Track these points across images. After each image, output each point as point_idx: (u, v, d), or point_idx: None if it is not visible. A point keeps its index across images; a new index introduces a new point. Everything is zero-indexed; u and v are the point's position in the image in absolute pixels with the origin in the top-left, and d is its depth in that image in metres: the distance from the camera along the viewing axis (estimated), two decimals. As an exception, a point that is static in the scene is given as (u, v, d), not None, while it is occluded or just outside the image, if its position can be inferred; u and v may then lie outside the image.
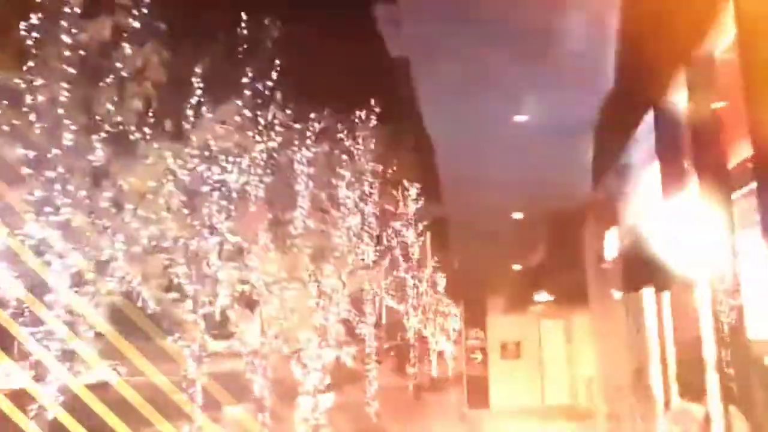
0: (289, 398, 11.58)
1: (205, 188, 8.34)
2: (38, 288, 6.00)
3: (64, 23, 6.13)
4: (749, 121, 5.43)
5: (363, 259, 14.11)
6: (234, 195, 8.81)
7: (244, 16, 8.51)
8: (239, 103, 8.55)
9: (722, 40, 6.69)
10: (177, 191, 7.78)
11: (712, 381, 6.78)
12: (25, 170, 5.96)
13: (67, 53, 6.15)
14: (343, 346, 13.00)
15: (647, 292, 9.92)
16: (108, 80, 6.58)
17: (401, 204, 19.75)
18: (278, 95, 9.29)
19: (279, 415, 10.94)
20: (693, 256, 7.22)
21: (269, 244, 9.92)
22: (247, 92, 8.77)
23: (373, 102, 13.96)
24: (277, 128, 9.82)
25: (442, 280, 25.45)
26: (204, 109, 8.15)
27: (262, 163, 9.51)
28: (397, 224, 19.33)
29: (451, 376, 25.19)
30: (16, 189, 5.95)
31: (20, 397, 6.53)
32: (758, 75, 5.17)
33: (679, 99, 8.06)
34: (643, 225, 9.19)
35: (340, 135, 12.87)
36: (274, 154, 9.95)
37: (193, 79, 7.96)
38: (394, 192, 19.16)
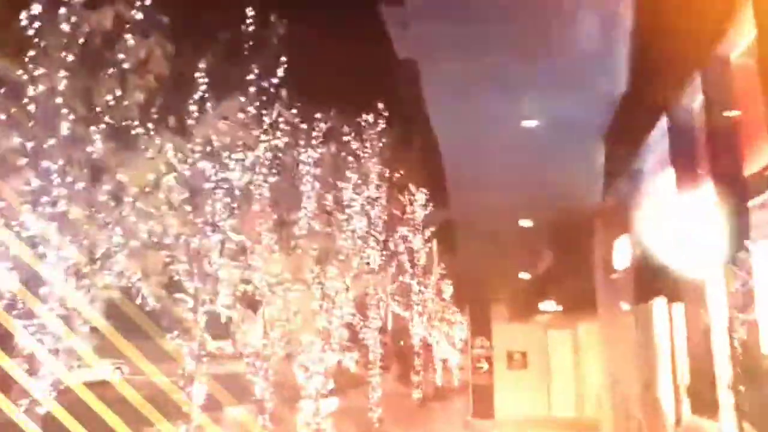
0: (290, 401, 11.44)
1: (208, 185, 8.22)
2: (33, 281, 5.89)
3: (64, 12, 6.03)
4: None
5: (368, 264, 13.97)
6: (237, 193, 8.69)
7: (249, 12, 8.41)
8: (243, 99, 8.45)
9: (739, 43, 6.52)
10: (178, 186, 7.66)
11: (725, 397, 6.58)
12: (22, 160, 5.85)
13: (67, 42, 6.05)
14: (346, 350, 12.85)
15: (658, 303, 9.72)
16: (109, 71, 6.47)
17: (408, 209, 19.60)
18: (283, 94, 9.18)
19: (280, 417, 10.79)
20: (706, 267, 7.03)
21: (273, 244, 9.80)
22: (252, 89, 8.66)
23: (381, 105, 13.86)
24: (282, 127, 9.71)
25: (448, 288, 25.25)
26: (207, 104, 8.05)
27: (266, 162, 9.39)
28: (403, 229, 19.18)
29: (455, 385, 24.96)
30: (12, 179, 5.84)
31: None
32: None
33: (693, 104, 7.90)
34: (655, 233, 8.99)
35: (347, 137, 12.76)
36: (279, 154, 9.84)
37: (197, 74, 7.86)
38: (401, 197, 19.02)
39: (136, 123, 6.89)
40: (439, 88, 9.96)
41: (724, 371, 6.59)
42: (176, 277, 7.91)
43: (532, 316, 18.31)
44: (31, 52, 5.98)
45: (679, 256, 7.71)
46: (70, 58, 6.11)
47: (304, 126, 10.65)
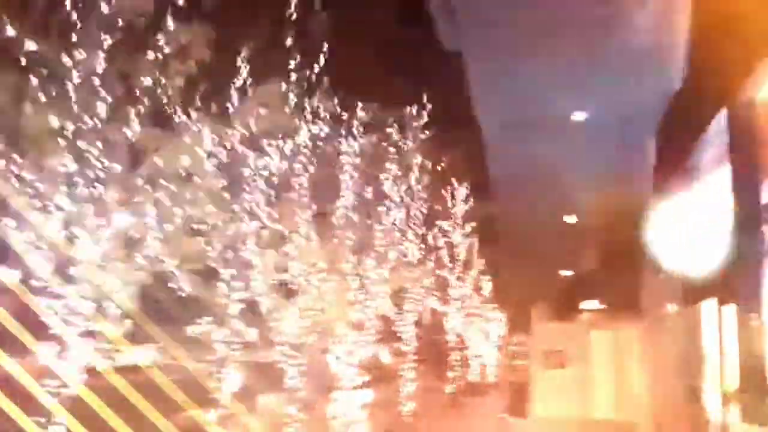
0: (323, 392, 11.39)
1: (246, 171, 8.17)
2: (65, 264, 5.91)
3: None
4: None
5: (406, 257, 13.81)
6: (275, 181, 8.62)
7: (293, -1, 8.29)
8: (284, 86, 8.35)
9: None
10: (216, 172, 7.63)
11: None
12: (60, 142, 5.85)
13: (108, 25, 6.02)
14: (381, 342, 12.74)
15: (707, 305, 9.35)
16: (149, 55, 6.44)
17: (449, 203, 19.31)
18: (325, 82, 9.05)
19: (312, 408, 10.75)
20: (764, 269, 6.74)
21: (310, 233, 9.71)
22: (293, 77, 8.56)
23: (425, 98, 13.62)
24: (323, 116, 9.59)
25: (487, 284, 24.91)
26: (247, 90, 7.98)
27: (306, 150, 9.29)
28: (444, 224, 18.92)
29: (490, 382, 24.66)
30: (49, 161, 5.86)
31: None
32: None
33: (756, 99, 7.49)
34: (709, 233, 8.60)
35: (389, 128, 12.57)
36: (319, 143, 9.73)
37: (238, 60, 7.79)
38: (443, 191, 18.75)
39: (176, 107, 6.85)
40: (485, 80, 9.69)
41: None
42: (211, 264, 7.90)
43: (573, 314, 17.92)
44: (73, 36, 5.96)
45: (735, 257, 7.40)
46: (111, 40, 6.07)
47: (345, 115, 10.51)
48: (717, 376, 8.85)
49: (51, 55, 5.81)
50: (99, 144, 6.00)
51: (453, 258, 19.88)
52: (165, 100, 6.67)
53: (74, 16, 5.82)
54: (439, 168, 15.26)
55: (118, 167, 6.22)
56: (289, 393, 10.06)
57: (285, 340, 9.59)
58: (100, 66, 5.94)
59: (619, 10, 8.44)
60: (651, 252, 12.46)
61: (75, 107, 5.87)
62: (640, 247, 13.63)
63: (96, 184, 5.99)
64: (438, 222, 17.66)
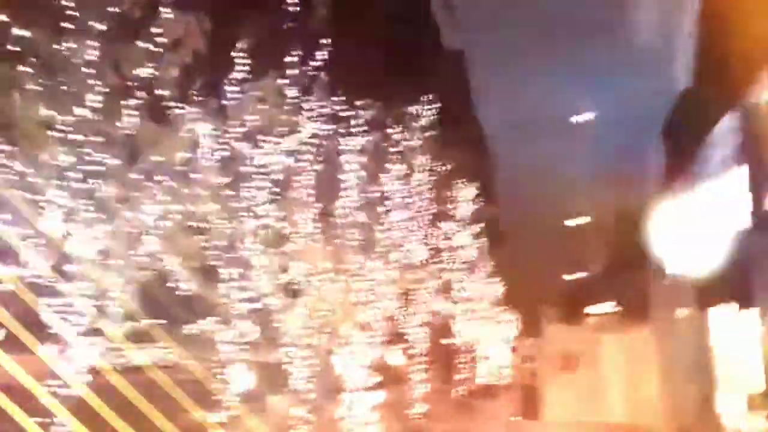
0: (331, 394, 11.27)
1: (244, 169, 8.09)
2: (61, 260, 5.83)
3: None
4: None
5: (412, 258, 13.69)
6: (275, 178, 8.53)
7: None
8: (282, 81, 8.27)
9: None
10: (213, 168, 7.55)
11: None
12: (50, 133, 5.78)
13: (100, 13, 5.96)
14: (388, 344, 12.60)
15: (722, 308, 9.14)
16: (143, 44, 6.36)
17: (455, 204, 19.17)
18: (324, 78, 8.97)
19: (320, 409, 10.63)
20: None
21: (313, 232, 9.62)
22: (292, 72, 8.48)
23: (427, 95, 13.51)
24: (323, 113, 9.51)
25: (495, 286, 24.71)
26: (244, 83, 7.90)
27: (306, 148, 9.21)
28: (450, 225, 18.78)
29: (500, 385, 24.43)
30: (41, 154, 5.79)
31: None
32: None
33: (765, 96, 7.34)
34: (721, 234, 8.42)
35: (390, 127, 12.47)
36: (320, 141, 9.64)
37: (234, 53, 7.72)
38: (448, 191, 18.63)
39: (170, 99, 6.78)
40: (489, 79, 9.58)
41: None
42: (212, 263, 7.81)
43: (583, 317, 17.73)
44: (66, 24, 5.90)
45: (748, 258, 7.23)
46: (103, 29, 6.00)
47: (345, 113, 10.42)
48: (735, 380, 8.66)
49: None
50: (91, 136, 5.93)
51: (460, 259, 19.73)
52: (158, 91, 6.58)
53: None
54: (442, 168, 15.16)
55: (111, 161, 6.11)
56: (295, 395, 9.96)
57: (289, 340, 9.50)
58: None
59: (625, 9, 8.29)
60: (659, 254, 12.28)
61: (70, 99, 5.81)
62: (650, 249, 13.43)
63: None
64: (442, 223, 17.54)
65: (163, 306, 7.26)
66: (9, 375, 6.12)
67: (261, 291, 8.54)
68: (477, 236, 20.35)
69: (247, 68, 7.83)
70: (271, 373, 9.60)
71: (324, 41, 8.66)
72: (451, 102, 14.14)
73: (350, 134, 10.52)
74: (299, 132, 8.91)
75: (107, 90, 6.01)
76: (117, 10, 6.08)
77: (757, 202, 7.27)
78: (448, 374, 20.35)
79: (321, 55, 8.69)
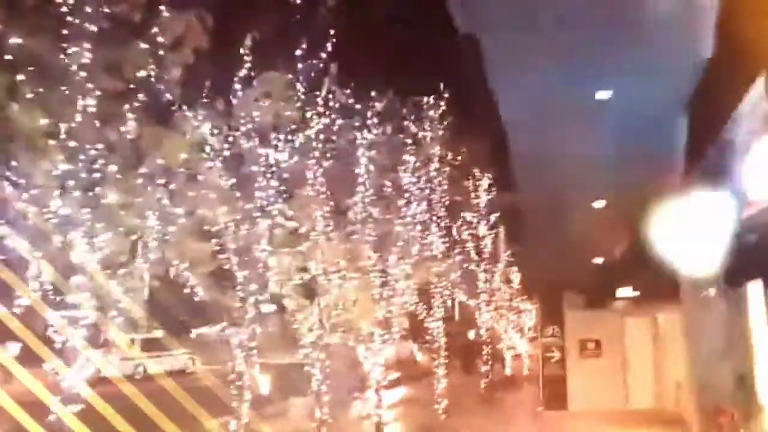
0: (350, 392, 11.11)
1: (254, 168, 7.83)
2: (66, 271, 5.65)
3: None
4: None
5: (431, 251, 13.44)
6: (287, 176, 8.28)
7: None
8: (289, 75, 7.99)
9: None
10: (220, 168, 7.31)
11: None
12: (50, 142, 5.57)
13: (98, 15, 5.72)
14: (410, 340, 12.40)
15: (753, 287, 8.81)
16: (143, 45, 6.12)
17: (472, 193, 18.86)
18: (333, 69, 8.68)
19: (339, 409, 10.46)
20: None
21: (328, 230, 9.38)
22: (300, 65, 8.19)
23: (441, 85, 13.18)
24: (334, 106, 9.22)
25: (516, 275, 24.40)
26: (250, 80, 7.64)
27: (318, 143, 8.94)
28: (468, 215, 18.48)
29: (525, 375, 24.17)
30: (42, 163, 5.59)
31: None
32: None
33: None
34: (750, 208, 8.07)
35: (405, 119, 12.16)
36: (332, 136, 9.37)
37: (239, 48, 7.45)
38: (465, 181, 18.32)
39: (173, 100, 6.54)
40: (503, 62, 9.26)
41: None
42: (225, 266, 7.60)
43: (607, 302, 17.35)
44: (64, 30, 5.69)
45: None
46: (101, 30, 5.78)
47: (358, 106, 10.13)
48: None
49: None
50: (92, 142, 5.72)
51: (479, 250, 19.45)
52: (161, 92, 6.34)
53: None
54: (459, 157, 14.84)
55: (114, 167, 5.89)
56: (315, 395, 9.77)
57: (308, 341, 9.29)
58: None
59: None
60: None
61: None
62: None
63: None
64: (462, 213, 17.27)
65: (177, 312, 7.09)
66: (24, 388, 6.00)
67: (276, 291, 8.33)
68: (497, 225, 20.06)
69: (254, 64, 7.56)
70: (291, 375, 9.43)
71: (333, 32, 8.36)
72: (466, 89, 13.77)
73: (364, 127, 10.22)
74: (310, 126, 8.64)
75: (108, 94, 5.79)
76: (116, 10, 5.84)
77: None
78: (472, 366, 20.13)
79: (330, 46, 8.38)
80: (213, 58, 6.83)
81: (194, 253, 6.98)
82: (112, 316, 5.79)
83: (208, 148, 7.13)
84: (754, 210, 8.08)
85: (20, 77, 5.47)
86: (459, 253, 16.98)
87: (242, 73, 7.63)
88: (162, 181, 6.35)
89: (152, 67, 6.14)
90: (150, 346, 18.26)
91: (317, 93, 8.83)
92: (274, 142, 8.06)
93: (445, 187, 14.29)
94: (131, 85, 6.05)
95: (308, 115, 8.72)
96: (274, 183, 8.06)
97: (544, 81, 9.69)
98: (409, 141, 12.27)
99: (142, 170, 6.17)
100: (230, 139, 7.45)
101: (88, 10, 5.66)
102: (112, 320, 5.78)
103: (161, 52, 6.18)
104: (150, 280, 6.55)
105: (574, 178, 11.77)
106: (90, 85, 5.64)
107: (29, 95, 5.49)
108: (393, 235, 11.26)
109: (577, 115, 10.26)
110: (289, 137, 8.30)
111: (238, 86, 7.59)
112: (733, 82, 8.29)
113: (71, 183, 5.58)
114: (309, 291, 9.24)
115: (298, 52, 8.22)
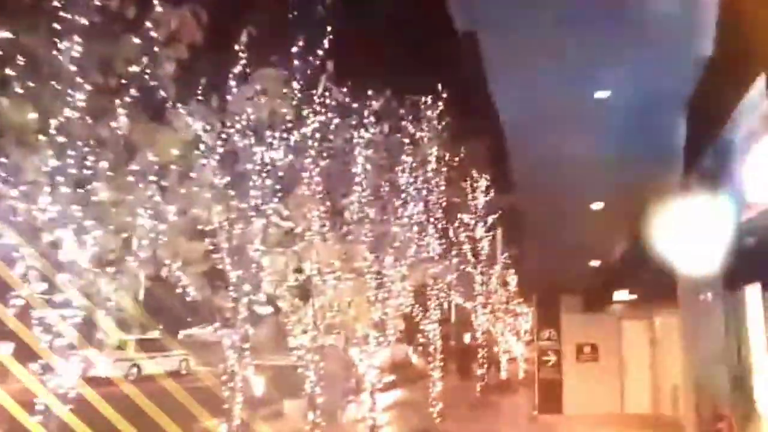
0: (344, 395, 11.01)
1: (249, 166, 7.73)
2: (56, 269, 5.52)
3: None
4: None
5: (427, 252, 13.34)
6: (282, 175, 8.18)
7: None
8: (285, 72, 7.90)
9: None
10: (213, 166, 7.21)
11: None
12: (39, 137, 5.46)
13: (89, 8, 5.62)
14: (405, 342, 12.31)
15: (752, 290, 8.76)
16: (134, 40, 6.01)
17: (469, 195, 18.79)
18: (330, 67, 8.59)
19: (333, 412, 10.35)
20: None
21: (322, 230, 9.28)
22: (296, 62, 8.10)
23: (440, 85, 13.10)
24: (330, 104, 9.12)
25: (513, 277, 24.34)
26: (245, 76, 7.55)
27: (314, 142, 8.84)
28: (464, 216, 18.41)
29: (521, 379, 24.10)
30: (31, 159, 5.47)
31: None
32: None
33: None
34: (750, 210, 8.00)
35: (402, 118, 12.07)
36: (328, 134, 9.27)
37: (234, 43, 7.36)
38: (462, 183, 18.25)
39: (166, 96, 6.43)
40: (502, 62, 9.16)
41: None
42: (218, 266, 7.49)
43: (604, 306, 17.29)
44: (55, 24, 5.58)
45: None
46: (93, 24, 5.67)
47: (355, 105, 10.04)
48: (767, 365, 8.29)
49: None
50: (83, 138, 5.61)
51: (476, 252, 19.37)
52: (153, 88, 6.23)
53: None
54: (457, 158, 14.76)
55: (104, 163, 5.77)
56: (307, 398, 9.66)
57: (301, 343, 9.18)
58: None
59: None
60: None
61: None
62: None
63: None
64: (459, 214, 17.18)
65: (171, 313, 6.97)
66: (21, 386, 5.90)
67: (270, 292, 8.22)
68: (494, 227, 20.00)
69: (249, 60, 7.47)
70: (285, 377, 9.32)
71: (330, 29, 8.26)
72: (464, 89, 13.69)
73: (360, 126, 10.13)
74: (305, 124, 8.55)
75: (99, 89, 5.68)
76: (108, 4, 5.73)
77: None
78: (468, 369, 20.06)
79: (327, 43, 8.28)
80: (207, 54, 6.72)
81: (187, 252, 6.88)
82: (102, 315, 5.68)
83: (201, 146, 7.02)
84: (753, 213, 8.05)
85: (9, 72, 5.36)
86: (456, 255, 16.90)
87: (237, 69, 7.55)
88: (154, 178, 6.25)
89: (145, 62, 6.03)
90: (144, 346, 18.27)
91: (313, 91, 8.74)
92: (269, 140, 7.97)
93: (443, 187, 14.22)
94: (123, 81, 5.94)
95: (304, 113, 8.63)
96: (269, 182, 7.97)
97: (543, 81, 9.60)
98: (407, 141, 12.19)
99: (134, 167, 6.06)
100: (224, 136, 7.35)
101: (80, 3, 5.56)
102: (102, 320, 5.67)
103: (155, 48, 6.07)
104: (143, 279, 6.42)
105: (572, 180, 11.69)
106: (81, 80, 5.53)
107: (19, 90, 5.38)
108: (389, 236, 11.16)
109: (575, 115, 10.17)
110: (285, 135, 8.20)
111: (232, 83, 7.51)
112: (733, 81, 8.23)
113: (61, 179, 5.47)
114: (303, 292, 9.14)
115: (294, 49, 8.14)
